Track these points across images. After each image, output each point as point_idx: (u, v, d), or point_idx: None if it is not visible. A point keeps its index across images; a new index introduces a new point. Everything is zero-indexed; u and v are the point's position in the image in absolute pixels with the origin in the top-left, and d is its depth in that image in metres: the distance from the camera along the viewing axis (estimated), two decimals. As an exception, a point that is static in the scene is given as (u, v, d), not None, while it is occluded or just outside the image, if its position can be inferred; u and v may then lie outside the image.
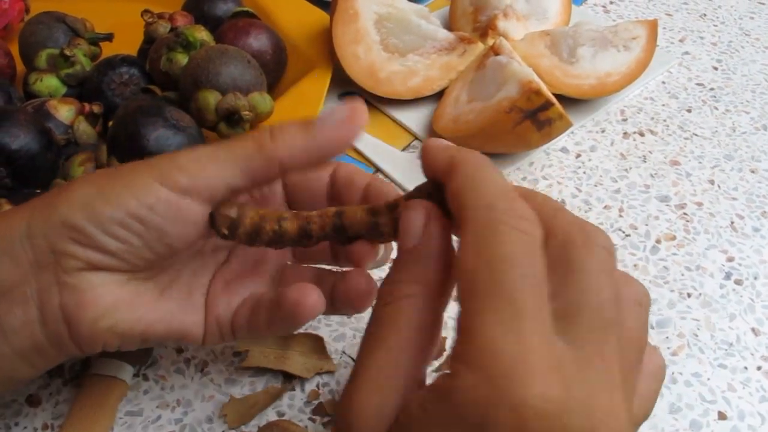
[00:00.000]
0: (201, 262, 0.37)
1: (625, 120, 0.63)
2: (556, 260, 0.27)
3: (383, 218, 0.32)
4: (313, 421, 0.42)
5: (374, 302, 0.29)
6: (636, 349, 0.28)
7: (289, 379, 0.43)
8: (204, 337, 0.36)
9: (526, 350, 0.23)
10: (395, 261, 0.29)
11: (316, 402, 0.43)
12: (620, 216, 0.55)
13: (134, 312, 0.33)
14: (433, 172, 0.30)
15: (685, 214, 0.55)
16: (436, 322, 0.28)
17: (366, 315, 0.46)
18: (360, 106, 0.33)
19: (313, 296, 0.33)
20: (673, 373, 0.45)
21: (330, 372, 0.44)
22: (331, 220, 0.33)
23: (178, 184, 0.31)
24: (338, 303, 0.36)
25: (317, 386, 0.44)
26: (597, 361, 0.25)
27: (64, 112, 0.52)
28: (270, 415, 0.42)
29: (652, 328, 0.47)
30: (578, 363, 0.24)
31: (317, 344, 0.45)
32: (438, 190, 0.30)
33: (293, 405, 0.43)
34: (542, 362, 0.23)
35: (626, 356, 0.26)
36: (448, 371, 0.25)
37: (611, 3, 0.80)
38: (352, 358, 0.45)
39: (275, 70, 0.59)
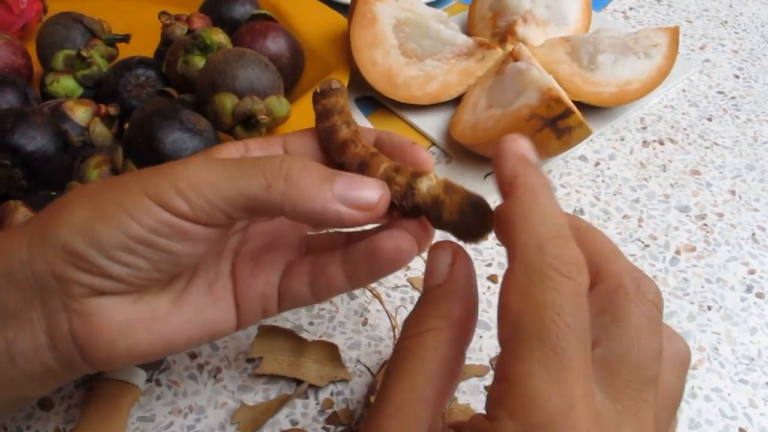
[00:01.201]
0: (215, 253, 0.36)
1: (644, 128, 0.63)
2: (603, 306, 0.27)
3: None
4: (327, 430, 0.41)
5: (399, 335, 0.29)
6: (671, 406, 0.28)
7: (303, 386, 0.43)
8: (238, 323, 0.35)
9: (569, 403, 0.23)
10: (421, 296, 0.30)
11: (329, 411, 0.42)
12: (639, 226, 0.54)
13: (151, 329, 0.32)
14: (500, 181, 0.29)
15: (705, 225, 0.54)
16: (459, 356, 0.28)
17: (382, 324, 0.46)
18: (385, 199, 0.31)
19: (410, 240, 0.33)
20: (693, 388, 0.44)
21: (344, 380, 0.44)
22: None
23: (177, 210, 0.30)
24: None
25: (331, 394, 0.43)
26: (634, 419, 0.25)
27: (81, 113, 0.52)
28: (283, 423, 0.42)
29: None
30: (616, 419, 0.25)
31: (332, 352, 0.44)
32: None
33: (307, 413, 0.42)
34: (584, 417, 0.23)
35: (660, 413, 0.27)
36: (484, 413, 0.25)
37: (631, 9, 0.79)
38: (367, 367, 0.44)
39: (292, 74, 0.59)
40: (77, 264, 0.30)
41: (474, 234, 0.30)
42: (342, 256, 0.35)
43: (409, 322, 0.29)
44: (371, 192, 0.31)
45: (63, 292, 0.30)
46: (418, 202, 0.31)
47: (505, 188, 0.28)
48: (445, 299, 0.29)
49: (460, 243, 0.31)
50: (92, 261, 0.30)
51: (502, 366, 0.25)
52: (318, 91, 0.38)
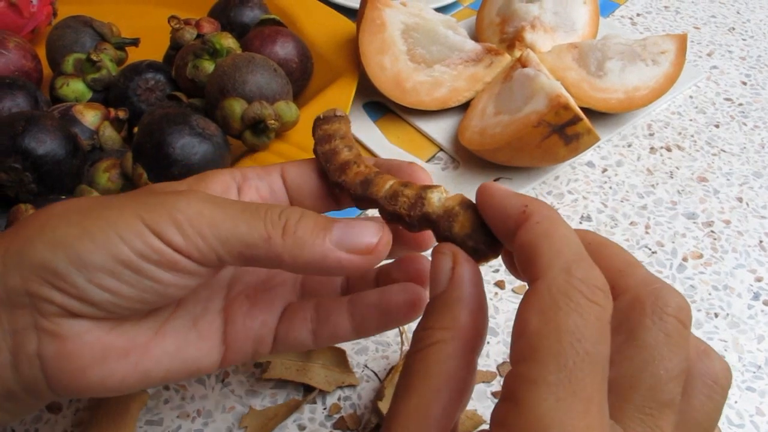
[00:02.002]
0: (204, 288, 0.34)
1: (651, 135, 0.63)
2: (617, 325, 0.25)
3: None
4: (334, 435, 0.42)
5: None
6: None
7: (311, 391, 0.43)
8: (222, 363, 0.34)
9: (582, 425, 0.22)
10: (426, 307, 0.29)
11: (337, 415, 0.42)
12: (646, 233, 0.54)
13: (128, 359, 0.30)
14: (502, 219, 0.28)
15: (712, 232, 0.54)
16: (468, 367, 0.27)
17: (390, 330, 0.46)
18: (385, 240, 0.31)
19: (422, 293, 0.34)
20: (700, 396, 0.44)
21: (352, 385, 0.44)
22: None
23: (170, 241, 0.28)
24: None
25: (339, 399, 0.43)
26: None
27: (90, 117, 0.52)
28: (291, 428, 0.42)
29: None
30: None
31: (339, 357, 0.44)
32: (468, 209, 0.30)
33: (314, 418, 0.42)
34: None
35: None
36: (487, 429, 0.25)
37: (638, 15, 0.79)
38: (375, 373, 0.44)
39: (301, 79, 0.59)
40: (54, 283, 0.28)
41: (484, 251, 0.29)
42: (349, 306, 0.35)
43: (415, 335, 0.28)
44: (370, 234, 0.30)
45: (35, 309, 0.28)
46: (428, 212, 0.30)
47: (517, 219, 0.27)
48: (449, 308, 0.27)
49: None
50: (72, 282, 0.28)
51: (512, 386, 0.24)
52: (320, 117, 0.37)
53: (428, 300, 0.30)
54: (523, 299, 0.25)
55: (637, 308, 0.26)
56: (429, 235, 0.34)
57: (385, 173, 0.34)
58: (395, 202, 0.31)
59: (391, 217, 0.32)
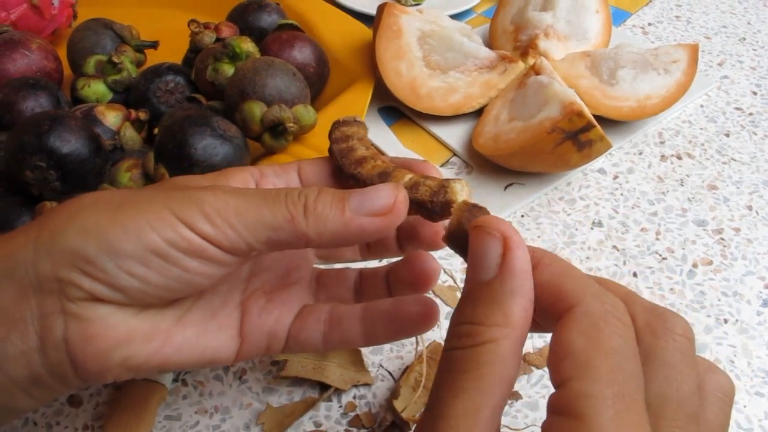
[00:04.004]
0: (224, 281, 0.36)
1: (662, 143, 0.63)
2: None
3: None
4: (349, 432, 0.42)
5: (445, 341, 0.28)
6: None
7: (327, 389, 0.44)
8: (238, 355, 0.35)
9: None
10: (468, 293, 0.28)
11: (352, 414, 0.43)
12: (657, 239, 0.55)
13: (150, 344, 0.31)
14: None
15: (722, 239, 0.55)
16: (518, 365, 0.26)
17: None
18: (402, 198, 0.31)
19: (434, 306, 0.34)
20: (709, 400, 0.44)
21: (367, 384, 0.44)
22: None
23: (200, 231, 0.29)
24: (402, 287, 0.37)
25: (354, 398, 0.44)
26: None
27: (112, 117, 0.53)
28: (307, 425, 0.43)
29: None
30: None
31: (355, 357, 0.45)
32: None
33: (330, 416, 0.43)
34: None
35: None
36: None
37: (650, 25, 0.80)
38: (389, 372, 0.45)
39: (318, 83, 0.60)
40: (84, 269, 0.29)
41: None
42: (362, 312, 0.36)
43: (457, 328, 0.27)
44: (386, 196, 0.31)
45: (62, 294, 0.29)
46: (451, 199, 0.31)
47: (534, 260, 0.28)
48: (500, 302, 0.26)
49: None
50: (102, 267, 0.29)
51: (571, 402, 0.24)
52: (339, 120, 0.38)
53: (439, 315, 0.32)
54: (560, 324, 0.26)
55: (648, 332, 0.27)
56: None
57: (403, 169, 0.34)
58: (416, 191, 0.32)
59: (412, 205, 0.32)
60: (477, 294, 0.27)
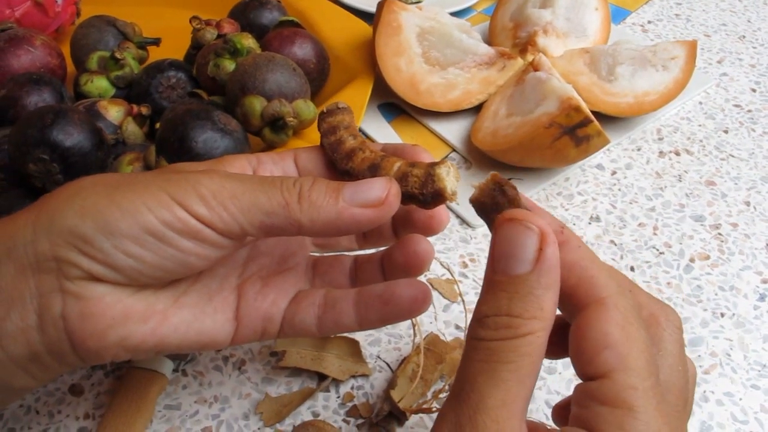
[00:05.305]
0: (221, 264, 0.36)
1: (661, 139, 0.64)
2: None
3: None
4: (347, 422, 0.43)
5: (476, 330, 0.28)
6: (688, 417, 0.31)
7: (325, 380, 0.44)
8: (234, 338, 0.35)
9: (668, 427, 0.26)
10: (500, 283, 0.28)
11: (350, 404, 0.44)
12: (654, 234, 0.55)
13: (146, 324, 0.32)
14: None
15: (719, 234, 0.55)
16: (543, 356, 0.27)
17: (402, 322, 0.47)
18: (395, 191, 0.32)
19: (427, 290, 0.35)
20: (705, 392, 0.45)
21: (365, 375, 0.45)
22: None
23: (195, 213, 0.30)
24: (396, 270, 0.38)
25: (352, 389, 0.44)
26: None
27: (114, 112, 0.54)
28: (305, 415, 0.43)
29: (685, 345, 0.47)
30: None
31: (353, 348, 0.45)
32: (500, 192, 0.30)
33: (328, 406, 0.43)
34: None
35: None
36: None
37: (649, 23, 0.80)
38: (387, 363, 0.46)
39: (318, 79, 0.61)
40: (82, 248, 0.29)
41: (497, 210, 0.30)
42: (356, 296, 0.36)
43: (497, 321, 0.27)
44: (379, 189, 0.32)
45: (60, 273, 0.30)
46: (440, 187, 0.32)
47: (555, 235, 0.28)
48: (536, 296, 0.27)
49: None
50: (99, 247, 0.29)
51: (615, 395, 0.26)
52: (324, 111, 0.39)
53: (431, 301, 0.34)
54: (592, 315, 0.28)
55: (653, 323, 0.30)
56: (440, 220, 0.37)
57: (391, 157, 0.35)
58: (406, 183, 0.33)
59: (404, 197, 0.33)
60: (512, 287, 0.27)
